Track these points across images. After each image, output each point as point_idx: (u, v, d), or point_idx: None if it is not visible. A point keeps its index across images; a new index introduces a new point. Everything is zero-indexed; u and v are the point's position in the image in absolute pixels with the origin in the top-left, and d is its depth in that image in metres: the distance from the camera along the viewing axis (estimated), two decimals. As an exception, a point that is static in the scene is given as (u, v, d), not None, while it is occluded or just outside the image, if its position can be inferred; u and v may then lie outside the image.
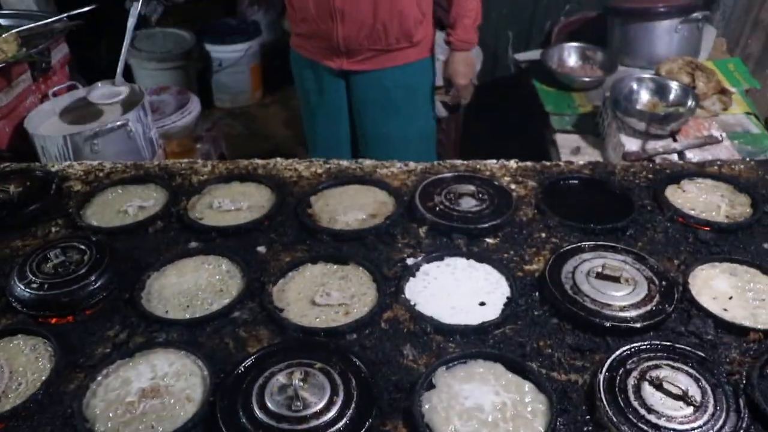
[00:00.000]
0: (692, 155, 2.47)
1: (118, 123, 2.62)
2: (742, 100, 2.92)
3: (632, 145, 2.50)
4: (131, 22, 2.79)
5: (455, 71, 2.84)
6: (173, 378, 1.32)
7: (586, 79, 3.01)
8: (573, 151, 2.45)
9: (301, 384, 1.25)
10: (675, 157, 2.46)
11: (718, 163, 2.06)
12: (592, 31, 3.36)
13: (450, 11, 2.74)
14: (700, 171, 2.01)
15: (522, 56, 3.30)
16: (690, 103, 2.69)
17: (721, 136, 2.55)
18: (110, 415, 1.24)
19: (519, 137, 3.08)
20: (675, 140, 2.62)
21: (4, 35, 2.81)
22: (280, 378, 1.27)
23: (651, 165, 2.05)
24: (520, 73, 3.27)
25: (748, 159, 2.18)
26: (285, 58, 3.03)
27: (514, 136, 2.91)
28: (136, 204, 1.87)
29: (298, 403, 1.21)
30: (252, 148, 4.59)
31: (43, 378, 1.32)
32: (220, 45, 4.78)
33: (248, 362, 1.33)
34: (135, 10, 2.79)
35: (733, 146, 2.54)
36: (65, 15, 3.02)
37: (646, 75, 2.85)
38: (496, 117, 2.88)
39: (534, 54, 3.38)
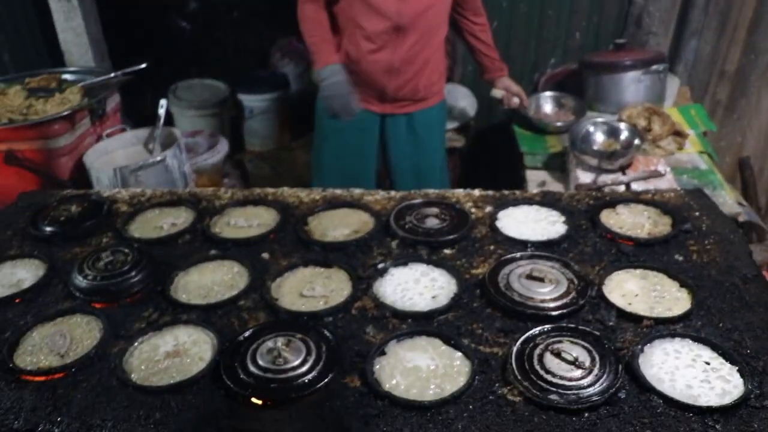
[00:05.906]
0: (638, 186, 2.78)
1: (158, 159, 3.11)
2: (698, 141, 3.27)
3: (586, 178, 2.86)
4: (161, 112, 3.40)
5: (510, 84, 3.46)
6: (191, 345, 1.72)
7: (558, 124, 3.40)
8: (539, 184, 2.82)
9: (284, 347, 1.63)
10: (622, 188, 2.80)
11: (653, 190, 2.40)
12: (573, 82, 3.77)
13: (481, 60, 3.42)
14: (634, 197, 2.32)
15: (508, 106, 3.76)
16: (636, 141, 3.06)
17: (664, 170, 2.88)
18: (143, 368, 1.66)
19: (501, 174, 3.49)
20: (624, 174, 2.96)
21: (71, 88, 3.35)
22: (269, 344, 1.66)
23: (594, 193, 2.41)
24: (507, 120, 3.69)
25: (679, 188, 2.53)
26: (310, 107, 3.50)
27: (499, 173, 3.32)
28: (169, 221, 2.27)
29: (280, 360, 1.60)
30: (278, 186, 4.93)
31: (95, 343, 1.73)
32: (252, 95, 5.09)
33: (246, 333, 1.73)
34: (162, 109, 3.40)
35: (680, 181, 2.87)
36: (121, 72, 3.56)
37: (600, 119, 3.24)
38: (489, 157, 3.29)
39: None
